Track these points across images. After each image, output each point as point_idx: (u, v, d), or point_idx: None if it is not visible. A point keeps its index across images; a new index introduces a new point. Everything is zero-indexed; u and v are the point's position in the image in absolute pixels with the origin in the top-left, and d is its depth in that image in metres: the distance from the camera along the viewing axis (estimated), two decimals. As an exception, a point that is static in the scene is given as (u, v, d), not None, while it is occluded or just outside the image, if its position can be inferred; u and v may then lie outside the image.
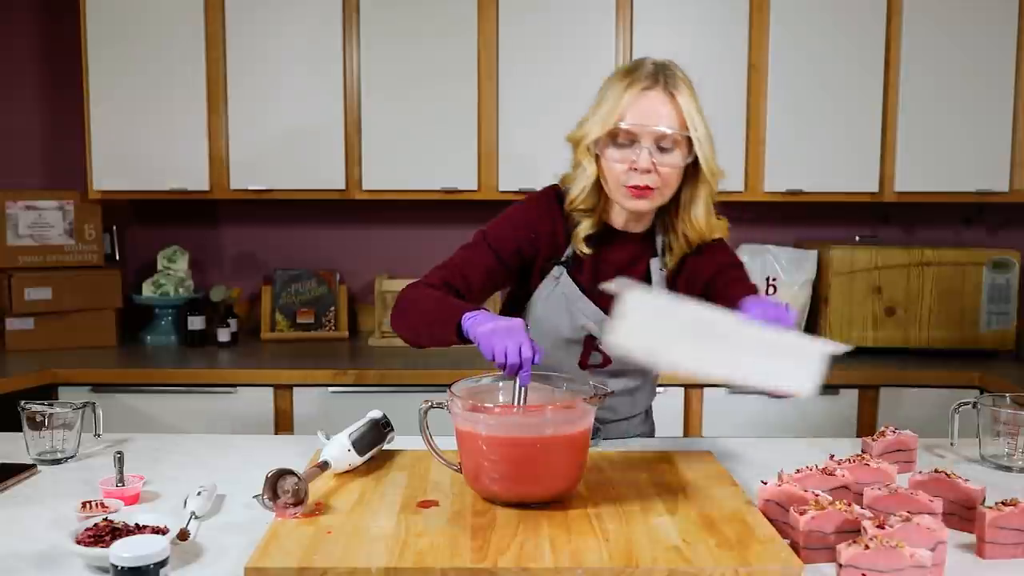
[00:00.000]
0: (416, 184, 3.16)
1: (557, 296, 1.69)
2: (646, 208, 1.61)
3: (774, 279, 3.18)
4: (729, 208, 3.43)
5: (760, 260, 3.21)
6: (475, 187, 3.12)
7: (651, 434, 1.94)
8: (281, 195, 3.21)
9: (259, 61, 3.12)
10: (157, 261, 3.40)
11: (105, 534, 1.25)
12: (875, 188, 3.15)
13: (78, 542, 1.24)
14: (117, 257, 3.45)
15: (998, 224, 3.51)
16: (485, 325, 1.42)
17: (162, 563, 1.07)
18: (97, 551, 1.20)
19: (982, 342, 3.11)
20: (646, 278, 1.69)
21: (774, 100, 3.12)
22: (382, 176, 3.16)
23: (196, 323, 3.27)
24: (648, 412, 1.94)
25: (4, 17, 3.45)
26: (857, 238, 3.39)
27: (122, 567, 1.05)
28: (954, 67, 3.10)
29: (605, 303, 1.66)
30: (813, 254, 3.21)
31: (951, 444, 1.82)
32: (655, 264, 1.70)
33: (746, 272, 1.70)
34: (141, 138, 3.14)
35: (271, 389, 2.90)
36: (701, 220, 1.64)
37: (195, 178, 3.16)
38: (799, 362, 1.31)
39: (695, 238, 1.67)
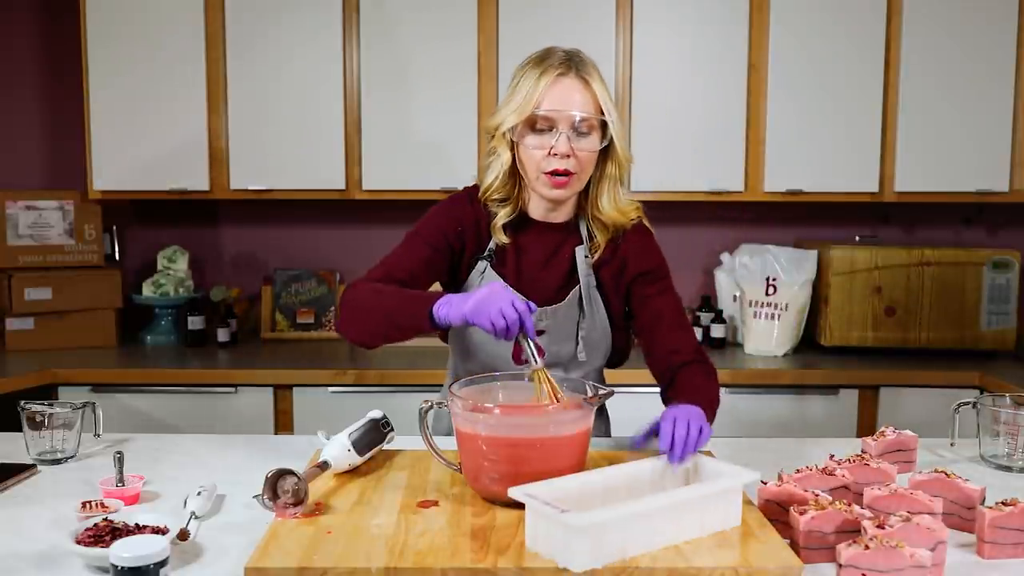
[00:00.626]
0: (416, 184, 3.16)
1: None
2: (564, 196, 1.64)
3: (774, 279, 3.18)
4: (729, 208, 3.46)
5: (760, 260, 3.21)
6: (475, 187, 3.12)
7: (606, 433, 1.94)
8: (281, 195, 3.21)
9: (259, 61, 3.13)
10: (157, 261, 3.41)
11: (105, 534, 1.25)
12: (875, 188, 3.15)
13: (78, 542, 1.24)
14: (117, 257, 3.45)
15: (998, 224, 3.51)
16: (466, 303, 1.42)
17: (162, 563, 1.07)
18: (97, 551, 1.20)
19: (982, 342, 3.11)
20: (572, 266, 1.71)
21: (774, 100, 3.12)
22: (382, 176, 3.16)
23: (196, 323, 3.28)
24: (600, 409, 1.92)
25: (4, 17, 3.45)
26: (857, 238, 3.39)
27: (122, 567, 1.05)
28: (954, 67, 3.10)
29: (529, 294, 1.68)
30: (813, 254, 3.21)
31: (951, 444, 1.82)
32: (580, 252, 1.71)
33: (670, 281, 1.75)
34: (141, 138, 3.14)
35: (271, 389, 2.90)
36: (610, 204, 1.68)
37: (195, 178, 3.16)
38: (724, 500, 1.31)
39: (609, 222, 1.69)
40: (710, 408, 1.57)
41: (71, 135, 3.41)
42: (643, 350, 1.75)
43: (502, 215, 1.68)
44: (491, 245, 1.71)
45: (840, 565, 1.16)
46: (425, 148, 3.14)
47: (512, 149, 1.63)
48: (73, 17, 3.21)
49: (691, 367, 1.65)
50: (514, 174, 1.66)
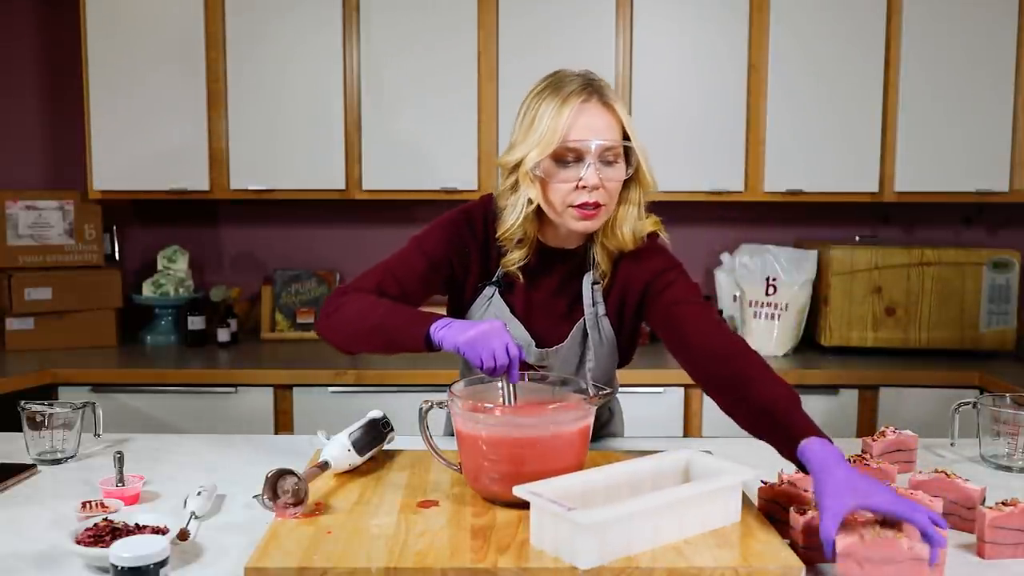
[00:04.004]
0: (416, 184, 3.16)
1: (489, 317, 1.64)
2: (594, 228, 1.54)
3: (774, 279, 3.18)
4: (729, 208, 3.47)
5: (760, 260, 3.21)
6: (475, 187, 3.12)
7: (620, 432, 1.93)
8: (281, 195, 3.21)
9: (259, 61, 3.13)
10: (157, 261, 3.41)
11: (105, 534, 1.25)
12: (875, 188, 3.15)
13: (78, 542, 1.24)
14: (117, 257, 3.45)
15: (998, 224, 3.51)
16: (466, 333, 1.39)
17: (162, 563, 1.07)
18: (97, 551, 1.20)
19: (982, 342, 3.11)
20: (579, 295, 1.65)
21: (774, 100, 3.12)
22: (382, 176, 3.16)
23: (196, 323, 3.27)
24: (612, 410, 1.92)
25: (4, 17, 3.45)
26: (857, 238, 3.39)
27: (122, 567, 1.05)
28: (954, 67, 3.10)
29: (535, 326, 1.64)
30: (813, 254, 3.21)
31: (951, 444, 1.82)
32: (587, 280, 1.64)
33: (684, 272, 1.63)
34: (141, 138, 3.14)
35: (271, 389, 2.90)
36: (630, 231, 1.58)
37: (195, 178, 3.15)
38: (724, 497, 1.31)
39: (615, 248, 1.60)
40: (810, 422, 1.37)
41: (71, 135, 3.41)
42: (672, 351, 1.59)
43: (517, 257, 1.60)
44: (500, 272, 1.64)
45: (836, 554, 1.16)
46: (425, 148, 3.14)
47: (537, 185, 1.52)
48: (73, 17, 3.21)
49: (752, 368, 1.45)
50: (535, 212, 1.56)
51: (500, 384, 1.44)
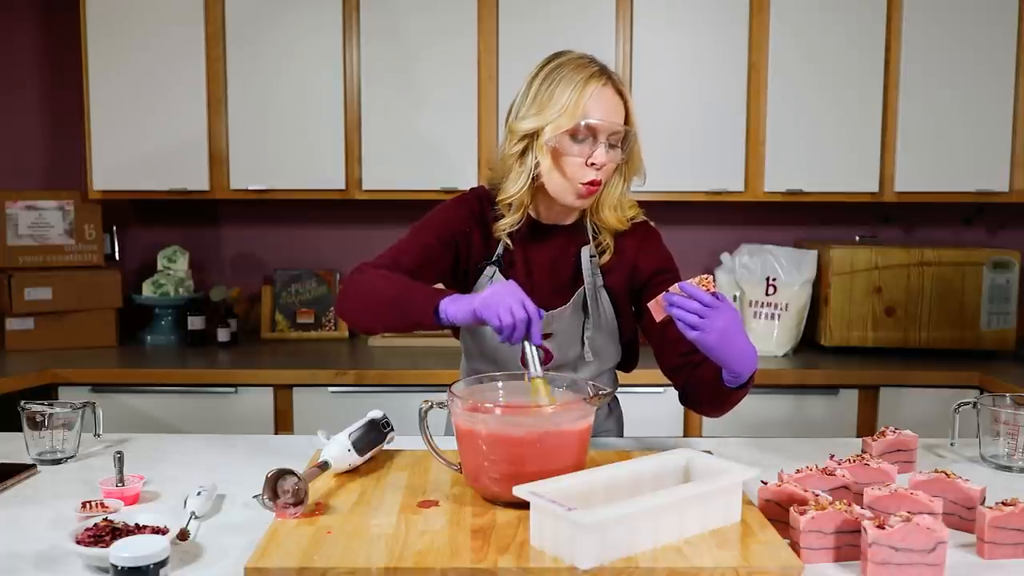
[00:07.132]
0: (416, 184, 3.16)
1: None
2: (588, 204, 1.65)
3: (774, 279, 3.18)
4: (729, 208, 3.46)
5: (760, 260, 3.21)
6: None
7: (619, 431, 1.94)
8: (281, 195, 3.21)
9: (259, 61, 3.13)
10: (157, 261, 3.41)
11: (105, 534, 1.25)
12: (875, 188, 3.15)
13: (78, 542, 1.24)
14: (117, 257, 3.45)
15: (998, 224, 3.51)
16: (480, 295, 1.43)
17: (162, 563, 1.07)
18: (97, 551, 1.20)
19: (982, 342, 3.11)
20: (578, 267, 1.71)
21: (774, 100, 3.12)
22: (382, 176, 3.16)
23: (196, 323, 3.28)
24: (611, 408, 1.93)
25: (4, 17, 3.45)
26: (857, 238, 3.39)
27: (122, 567, 1.05)
28: (954, 67, 3.10)
29: (538, 298, 1.67)
30: (813, 254, 3.21)
31: (951, 444, 1.82)
32: (585, 252, 1.70)
33: (677, 273, 1.72)
34: (141, 138, 3.14)
35: (271, 389, 2.90)
36: (618, 205, 1.69)
37: (195, 178, 3.16)
38: (724, 497, 1.32)
39: (615, 222, 1.70)
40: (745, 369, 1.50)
41: (71, 135, 3.41)
42: (654, 348, 1.71)
43: (508, 222, 1.67)
44: (499, 250, 1.70)
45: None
46: (425, 148, 3.14)
47: (549, 156, 1.59)
48: (73, 17, 3.21)
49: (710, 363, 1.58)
50: (533, 181, 1.64)
51: (524, 349, 1.44)
